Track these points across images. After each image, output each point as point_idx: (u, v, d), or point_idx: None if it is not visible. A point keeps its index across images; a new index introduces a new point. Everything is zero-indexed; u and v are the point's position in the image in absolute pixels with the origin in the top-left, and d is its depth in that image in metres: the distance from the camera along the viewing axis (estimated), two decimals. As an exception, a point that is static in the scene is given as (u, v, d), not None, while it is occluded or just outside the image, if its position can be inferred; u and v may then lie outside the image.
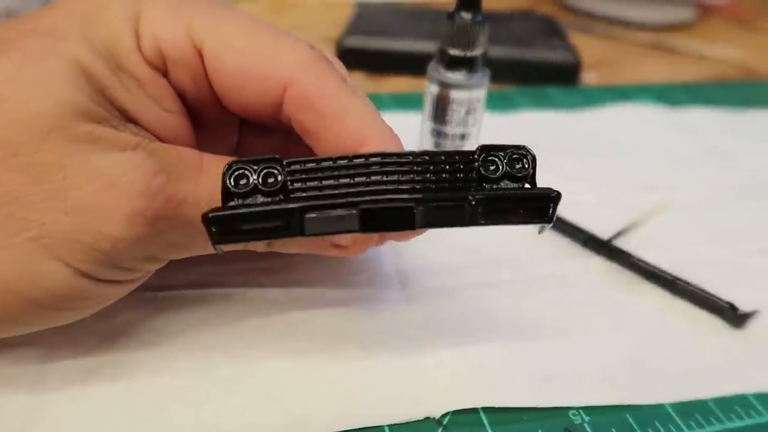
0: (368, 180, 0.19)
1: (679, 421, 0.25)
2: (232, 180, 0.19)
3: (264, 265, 0.30)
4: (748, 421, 0.25)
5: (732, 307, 0.29)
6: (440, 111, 0.36)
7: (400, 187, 0.19)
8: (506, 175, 0.20)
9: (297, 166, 0.19)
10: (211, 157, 0.22)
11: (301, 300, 0.28)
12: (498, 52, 0.53)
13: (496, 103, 0.48)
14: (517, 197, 0.20)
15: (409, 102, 0.46)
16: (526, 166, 0.20)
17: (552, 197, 0.20)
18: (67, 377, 0.24)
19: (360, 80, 0.53)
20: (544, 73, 0.54)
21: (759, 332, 0.29)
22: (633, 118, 0.48)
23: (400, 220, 0.19)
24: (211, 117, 0.24)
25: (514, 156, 0.20)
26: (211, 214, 0.18)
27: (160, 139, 0.22)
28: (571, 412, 0.25)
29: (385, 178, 0.19)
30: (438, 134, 0.36)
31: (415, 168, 0.20)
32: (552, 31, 0.58)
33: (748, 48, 0.66)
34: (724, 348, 0.28)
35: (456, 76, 0.35)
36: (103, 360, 0.24)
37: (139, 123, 0.21)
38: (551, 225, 0.21)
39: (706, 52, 0.64)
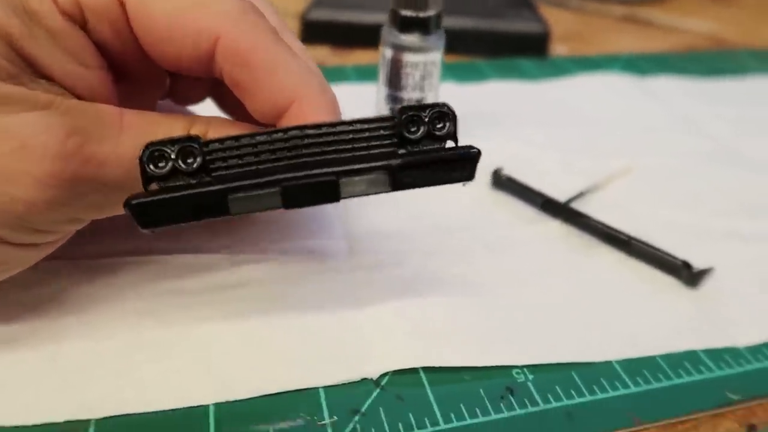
0: (289, 155, 0.19)
1: (626, 378, 0.24)
2: (150, 162, 0.18)
3: (207, 231, 0.29)
4: (696, 377, 0.24)
5: (686, 265, 0.28)
6: (394, 75, 0.35)
7: (322, 159, 0.19)
8: (428, 135, 0.20)
9: (216, 145, 0.19)
10: (132, 114, 0.21)
11: (242, 264, 0.27)
12: (467, 23, 0.52)
13: (464, 74, 0.47)
14: (438, 159, 0.20)
15: (372, 74, 0.45)
16: (447, 124, 0.20)
17: (471, 155, 0.20)
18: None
19: (325, 55, 0.52)
20: (513, 45, 0.53)
21: (714, 290, 0.28)
22: (600, 87, 0.47)
23: (324, 194, 0.19)
24: (136, 70, 0.23)
25: (435, 115, 0.20)
26: (133, 201, 0.18)
27: (77, 96, 0.20)
28: (514, 371, 0.24)
29: (305, 151, 0.19)
30: (393, 100, 0.35)
31: (336, 138, 0.19)
32: (522, 2, 0.57)
33: (721, 21, 0.65)
34: (678, 306, 0.27)
35: (409, 39, 0.34)
36: (29, 327, 0.23)
37: (53, 78, 0.20)
38: (472, 180, 0.21)
39: (679, 24, 0.63)
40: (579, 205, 0.32)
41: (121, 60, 0.22)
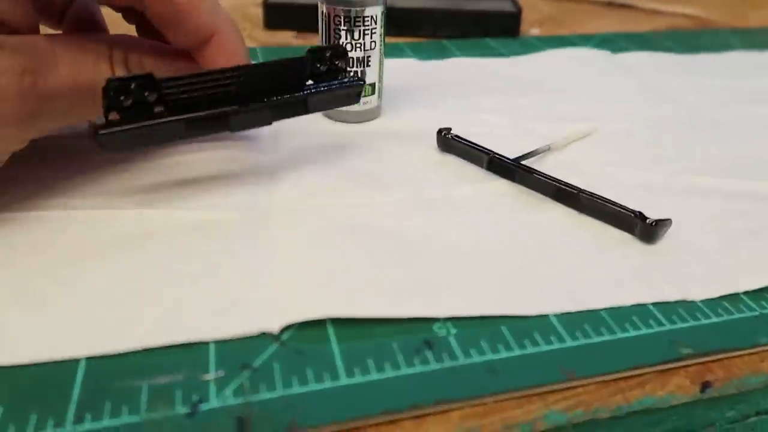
0: (228, 90, 0.24)
1: (563, 332, 0.21)
2: (112, 94, 0.21)
3: (119, 187, 0.27)
4: (644, 331, 0.21)
5: (642, 217, 0.25)
6: (331, 32, 0.33)
7: (256, 94, 0.25)
8: (329, 71, 0.27)
9: (168, 83, 0.22)
10: (61, 43, 0.22)
11: (151, 219, 0.25)
12: (437, 3, 0.51)
13: (432, 53, 0.45)
14: (337, 87, 0.27)
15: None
16: (341, 62, 0.27)
17: (358, 84, 0.28)
18: None
19: (289, 39, 0.50)
20: (484, 25, 0.51)
21: (669, 245, 0.25)
22: (568, 60, 0.45)
23: (257, 120, 0.25)
24: None
25: (334, 54, 0.27)
26: (102, 131, 0.21)
27: (11, 28, 0.21)
28: (435, 325, 0.21)
29: (238, 87, 0.24)
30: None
31: (263, 76, 0.25)
32: (494, -15, 0.55)
33: (706, 6, 0.63)
34: (629, 260, 0.24)
35: (344, -8, 0.32)
36: None
37: None
38: (357, 103, 0.29)
39: (663, 8, 0.61)
40: (527, 163, 0.30)
41: None
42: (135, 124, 0.22)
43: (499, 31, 0.51)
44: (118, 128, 0.22)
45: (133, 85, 0.21)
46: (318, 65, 0.26)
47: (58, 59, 0.22)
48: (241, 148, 0.31)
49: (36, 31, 0.23)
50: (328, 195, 0.28)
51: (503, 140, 0.32)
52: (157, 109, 0.23)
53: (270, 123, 0.25)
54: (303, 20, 0.51)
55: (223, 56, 0.25)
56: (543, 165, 0.30)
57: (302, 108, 0.26)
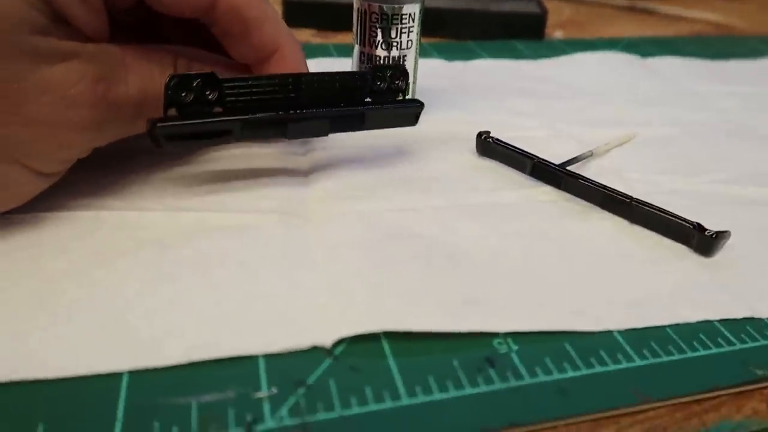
0: (290, 96, 0.24)
1: (630, 351, 0.20)
2: (173, 91, 0.21)
3: (149, 190, 0.25)
4: (715, 350, 0.20)
5: (700, 228, 0.24)
6: (366, 29, 0.31)
7: (316, 100, 0.24)
8: (389, 90, 0.26)
9: (230, 83, 0.22)
10: (130, 52, 0.22)
11: (186, 221, 0.24)
12: (461, 4, 0.49)
13: (457, 55, 0.44)
14: (394, 106, 0.27)
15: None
16: (401, 82, 0.26)
17: (417, 106, 0.27)
18: None
19: (308, 37, 0.49)
20: (508, 26, 0.50)
21: (727, 258, 0.24)
22: (597, 64, 0.44)
23: (315, 130, 0.25)
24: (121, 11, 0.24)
25: (395, 74, 0.26)
26: (160, 125, 0.21)
27: (88, 37, 0.21)
28: (496, 341, 0.20)
29: (301, 95, 0.24)
30: (368, 58, 0.32)
31: (322, 87, 0.25)
32: (517, -14, 0.54)
33: (728, 13, 0.62)
34: (688, 274, 0.23)
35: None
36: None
37: (73, 24, 0.21)
38: (414, 125, 0.28)
39: (685, 14, 0.60)
40: (571, 168, 0.29)
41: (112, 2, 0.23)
42: (193, 120, 0.22)
43: (523, 33, 0.50)
44: (176, 122, 0.21)
45: (195, 83, 0.21)
46: (378, 83, 0.26)
47: (128, 68, 0.22)
48: (275, 147, 0.29)
49: (107, 39, 0.23)
50: (368, 198, 0.26)
51: (541, 144, 0.31)
52: (216, 109, 0.22)
53: (326, 134, 0.25)
54: (323, 18, 0.50)
55: (285, 72, 0.25)
56: (585, 171, 0.29)
57: (359, 123, 0.26)
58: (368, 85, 0.26)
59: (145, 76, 0.22)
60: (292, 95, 0.24)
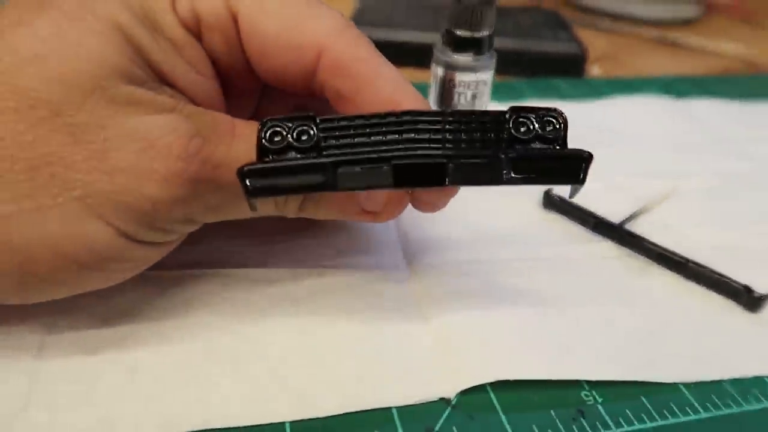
0: (400, 137, 0.19)
1: (696, 404, 0.24)
2: (267, 136, 0.19)
3: (268, 246, 0.29)
4: (766, 404, 0.24)
5: (748, 290, 0.28)
6: (446, 94, 0.35)
7: (432, 144, 0.19)
8: (537, 137, 0.20)
9: (330, 124, 0.19)
10: (243, 123, 0.22)
11: (306, 278, 0.27)
12: (505, 43, 0.53)
13: (502, 94, 0.48)
14: (549, 156, 0.20)
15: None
16: (558, 127, 0.20)
17: (584, 158, 0.20)
18: (68, 356, 0.23)
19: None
20: (550, 65, 0.53)
21: (776, 315, 0.28)
22: (639, 108, 0.48)
23: (431, 176, 0.19)
24: (238, 83, 0.24)
25: (546, 118, 0.20)
26: (246, 167, 0.18)
27: (195, 103, 0.22)
28: (583, 393, 0.24)
29: (417, 136, 0.19)
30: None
31: (446, 126, 0.19)
32: (558, 24, 0.58)
33: (752, 44, 0.65)
34: (739, 330, 0.27)
35: (462, 58, 0.34)
36: (105, 338, 0.24)
37: (175, 86, 0.21)
38: (582, 187, 0.21)
39: (711, 47, 0.64)
40: (629, 227, 0.32)
41: (227, 72, 0.23)
42: (278, 163, 0.19)
43: (564, 71, 0.53)
44: (260, 165, 0.19)
45: (290, 127, 0.19)
46: (521, 128, 0.20)
47: (236, 136, 0.21)
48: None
49: (223, 109, 0.23)
50: (451, 250, 0.30)
51: (596, 195, 0.34)
52: (313, 154, 0.19)
53: (444, 183, 0.19)
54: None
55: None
56: (639, 226, 0.33)
57: (493, 174, 0.20)
58: (506, 129, 0.19)
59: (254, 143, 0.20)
60: (405, 137, 0.19)
